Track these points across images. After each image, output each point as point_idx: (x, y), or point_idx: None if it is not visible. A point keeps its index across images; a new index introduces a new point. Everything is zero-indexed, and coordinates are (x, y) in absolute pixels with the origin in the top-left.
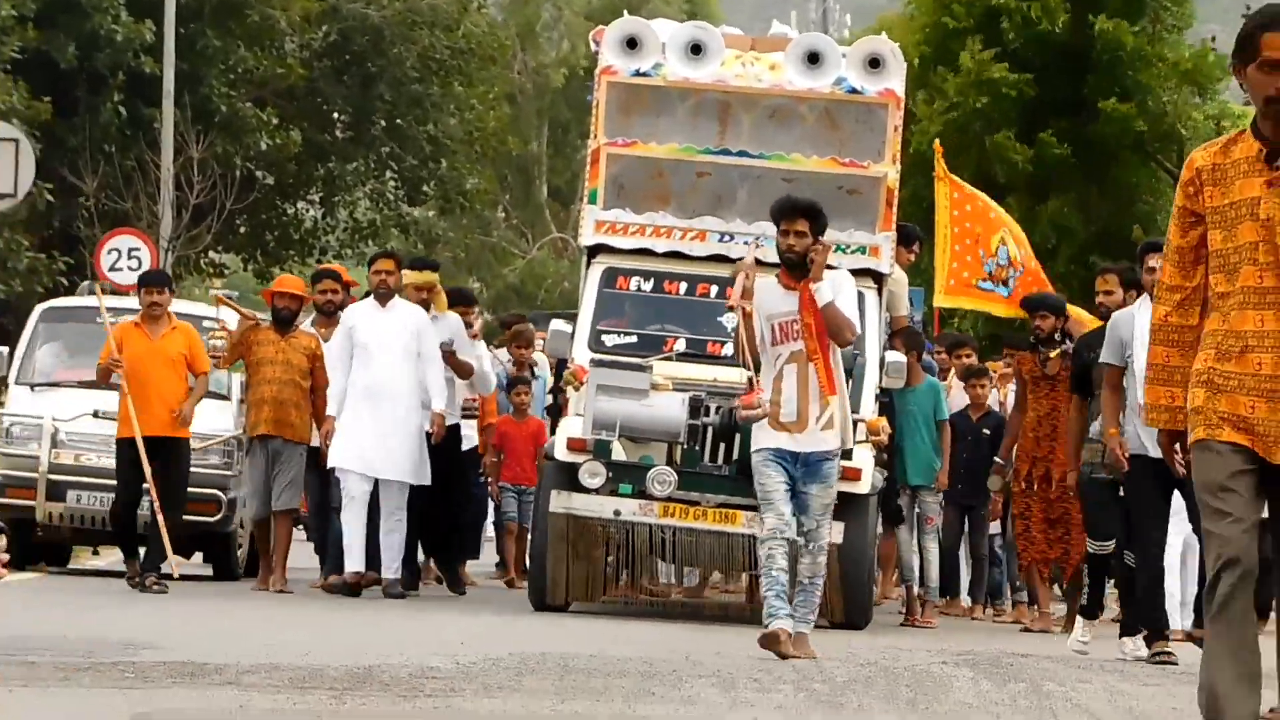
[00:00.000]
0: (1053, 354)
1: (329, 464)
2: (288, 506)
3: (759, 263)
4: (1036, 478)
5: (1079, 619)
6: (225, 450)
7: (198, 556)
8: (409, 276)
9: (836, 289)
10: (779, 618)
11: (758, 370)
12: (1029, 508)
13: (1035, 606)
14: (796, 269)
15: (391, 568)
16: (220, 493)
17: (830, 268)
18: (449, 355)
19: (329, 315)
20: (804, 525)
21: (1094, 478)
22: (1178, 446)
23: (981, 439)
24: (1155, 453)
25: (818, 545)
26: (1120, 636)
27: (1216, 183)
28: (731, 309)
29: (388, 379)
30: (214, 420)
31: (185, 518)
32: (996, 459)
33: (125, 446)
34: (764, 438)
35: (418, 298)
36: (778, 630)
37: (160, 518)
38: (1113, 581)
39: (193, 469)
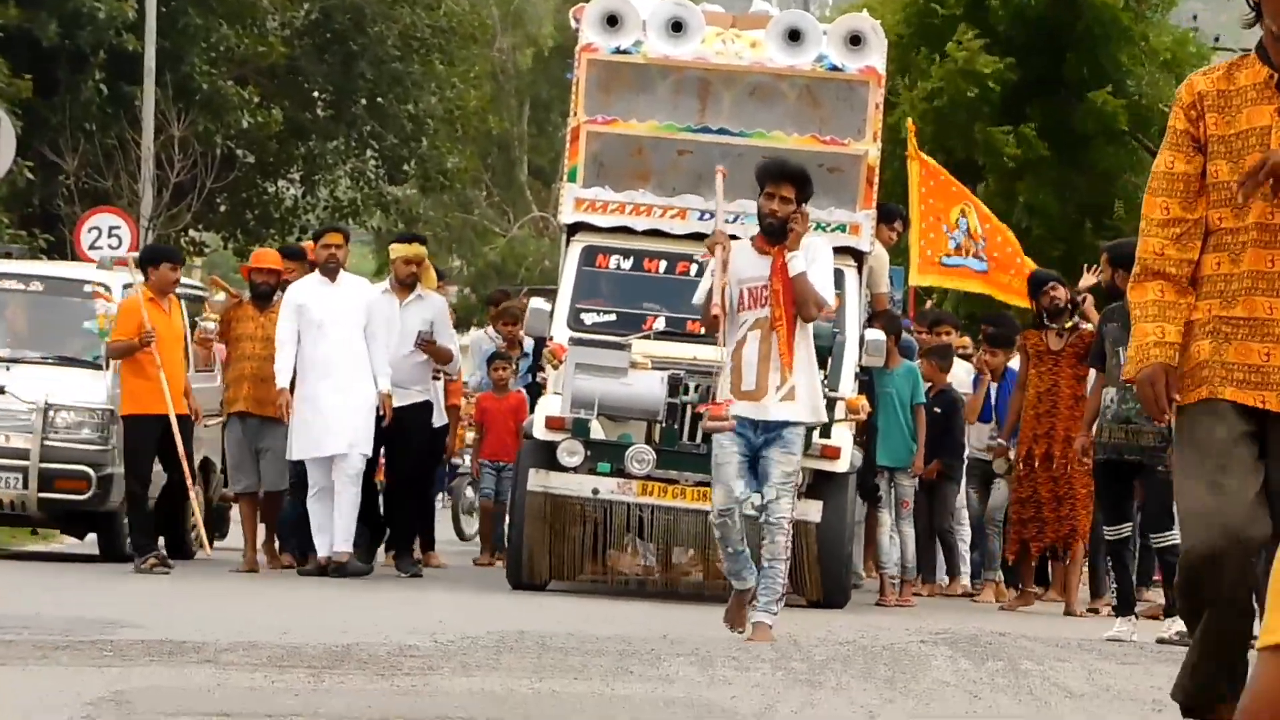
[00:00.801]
0: (1068, 324)
1: (291, 457)
2: (275, 487)
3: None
4: (1038, 456)
5: (1119, 617)
6: (97, 425)
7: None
8: (397, 250)
9: (811, 259)
10: (743, 578)
11: (710, 329)
12: (1035, 490)
13: (1017, 586)
14: (775, 234)
15: (346, 542)
16: (91, 470)
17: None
18: (427, 343)
19: None
20: (764, 496)
21: (1096, 459)
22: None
23: (935, 417)
24: None
25: (777, 521)
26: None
27: (1221, 110)
28: (716, 318)
29: (342, 355)
30: (88, 392)
31: (52, 495)
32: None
33: (146, 424)
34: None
35: (406, 272)
36: (745, 590)
37: (195, 497)
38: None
39: (61, 445)
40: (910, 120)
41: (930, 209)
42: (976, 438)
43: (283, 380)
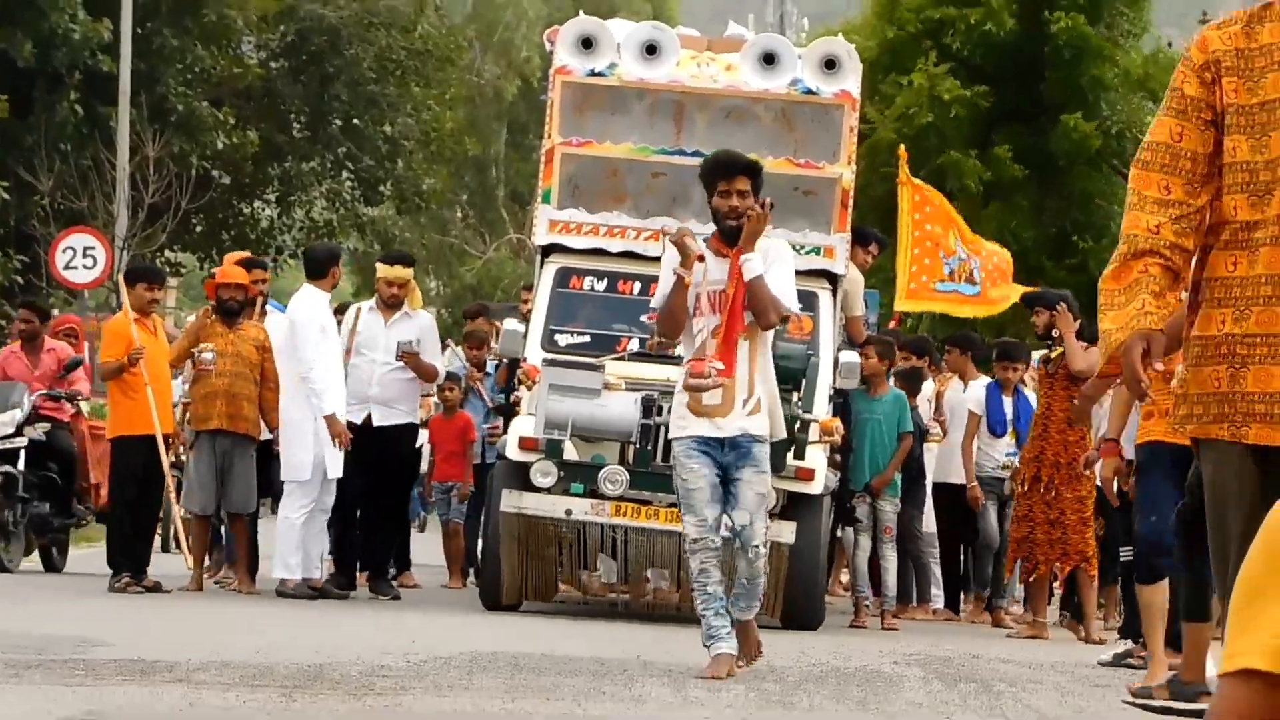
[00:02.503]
0: (1054, 354)
1: (332, 474)
2: (246, 510)
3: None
4: (1028, 478)
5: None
6: None
7: None
8: (381, 270)
9: (770, 261)
10: (721, 639)
11: (668, 334)
12: (1031, 510)
13: (1029, 612)
14: (737, 235)
15: (319, 567)
16: None
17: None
18: (410, 356)
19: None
20: (736, 521)
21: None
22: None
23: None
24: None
25: (754, 548)
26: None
27: (1242, 74)
28: (682, 276)
29: (341, 377)
30: None
31: None
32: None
33: (135, 446)
34: (685, 423)
35: (388, 293)
36: (723, 655)
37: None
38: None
39: None
40: (902, 147)
41: (926, 234)
42: (987, 455)
43: (336, 405)
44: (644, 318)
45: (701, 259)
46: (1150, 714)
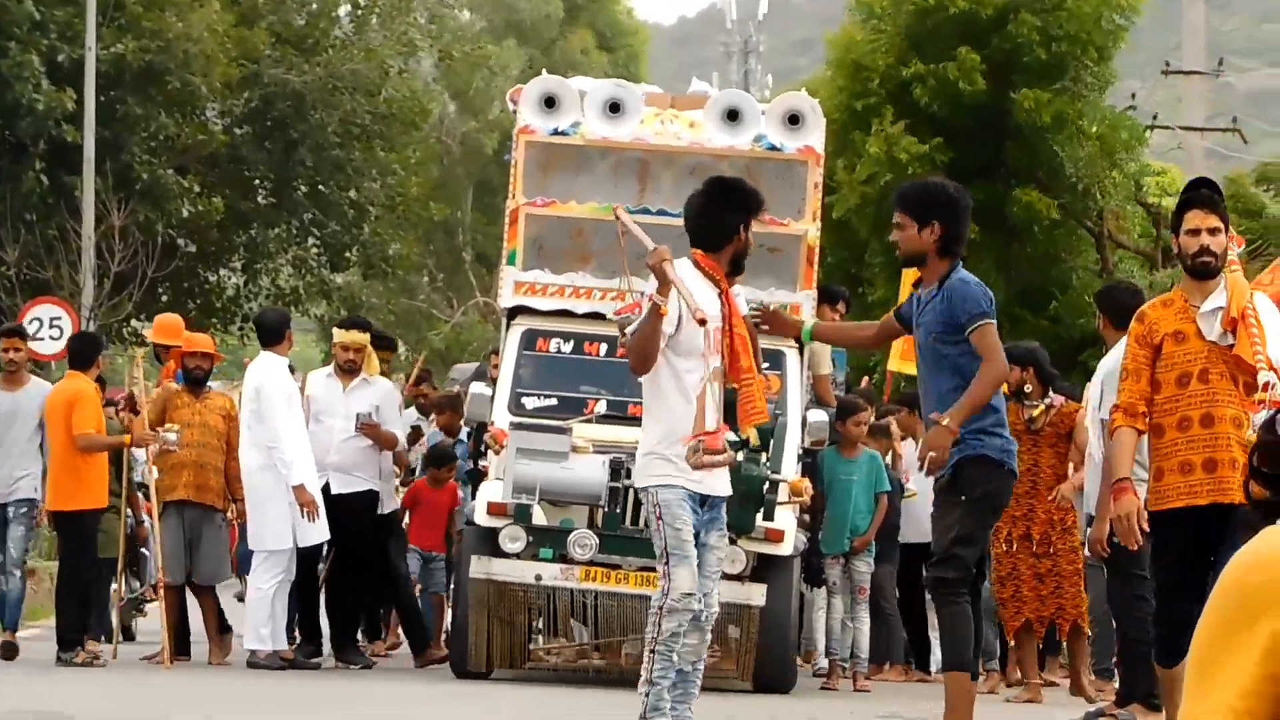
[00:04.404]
0: (1035, 412)
1: (309, 542)
2: (215, 581)
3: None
4: (1016, 537)
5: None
6: None
7: None
8: (337, 335)
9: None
10: (667, 714)
11: (638, 369)
12: (1015, 568)
13: (1019, 674)
14: (740, 266)
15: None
16: None
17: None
18: (370, 428)
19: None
20: (700, 589)
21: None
22: None
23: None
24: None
25: (710, 617)
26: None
27: None
28: (659, 305)
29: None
30: None
31: None
32: None
33: (107, 517)
34: (677, 471)
35: (344, 358)
36: None
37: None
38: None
39: None
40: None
41: None
42: None
43: (305, 475)
44: (613, 315)
45: (703, 322)
46: None
